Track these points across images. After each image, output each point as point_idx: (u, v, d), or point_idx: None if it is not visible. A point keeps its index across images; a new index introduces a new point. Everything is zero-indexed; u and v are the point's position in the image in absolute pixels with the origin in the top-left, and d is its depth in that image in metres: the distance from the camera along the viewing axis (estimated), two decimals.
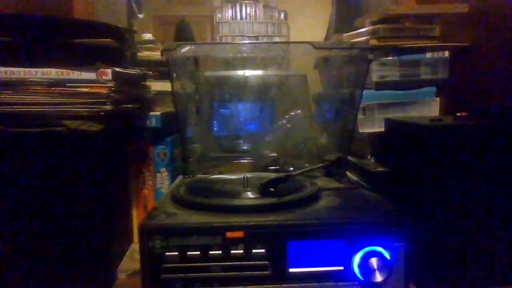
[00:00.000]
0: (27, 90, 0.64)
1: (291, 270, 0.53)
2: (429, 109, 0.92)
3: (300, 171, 0.74)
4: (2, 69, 0.65)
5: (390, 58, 0.91)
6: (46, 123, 0.64)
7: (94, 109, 0.65)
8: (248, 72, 0.93)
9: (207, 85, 0.96)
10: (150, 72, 0.91)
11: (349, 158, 0.90)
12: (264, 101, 0.97)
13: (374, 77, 0.90)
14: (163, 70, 0.96)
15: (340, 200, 0.64)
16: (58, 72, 0.66)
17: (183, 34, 1.92)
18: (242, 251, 0.53)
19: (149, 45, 1.13)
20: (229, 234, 0.53)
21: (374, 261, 0.53)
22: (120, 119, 0.72)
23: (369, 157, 0.92)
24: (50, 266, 0.67)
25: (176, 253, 0.52)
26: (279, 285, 0.53)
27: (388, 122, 0.82)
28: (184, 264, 0.52)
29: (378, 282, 0.53)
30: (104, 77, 0.66)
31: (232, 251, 0.53)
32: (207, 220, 0.54)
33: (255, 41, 3.08)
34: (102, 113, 0.65)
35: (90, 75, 0.66)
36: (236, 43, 2.45)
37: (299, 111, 0.91)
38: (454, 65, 0.93)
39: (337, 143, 0.87)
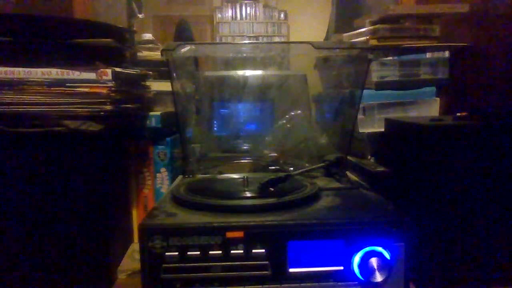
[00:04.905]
0: (27, 90, 0.64)
1: (291, 270, 0.53)
2: (429, 109, 0.92)
3: (300, 171, 0.74)
4: (2, 69, 0.65)
5: (390, 58, 0.91)
6: (46, 123, 0.64)
7: (94, 109, 0.65)
8: (248, 72, 0.93)
9: (207, 85, 0.96)
10: (150, 72, 0.91)
11: (349, 158, 0.90)
12: (264, 101, 0.97)
13: (374, 77, 0.90)
14: (163, 70, 0.96)
15: (340, 200, 0.64)
16: (58, 72, 0.66)
17: (183, 34, 1.92)
18: (242, 251, 0.53)
19: (149, 45, 1.13)
20: (229, 234, 0.53)
21: (374, 261, 0.53)
22: (120, 119, 0.72)
23: (369, 157, 0.92)
24: (50, 266, 0.67)
25: (176, 253, 0.52)
26: (279, 285, 0.53)
27: (388, 122, 0.82)
28: (184, 264, 0.52)
29: (378, 282, 0.53)
30: (104, 77, 0.66)
31: (232, 251, 0.53)
32: (207, 220, 0.54)
33: (255, 41, 3.08)
34: (102, 113, 0.65)
35: (90, 75, 0.66)
36: (236, 43, 2.45)
37: (299, 111, 0.91)
38: (454, 65, 0.93)
39: (337, 143, 0.87)
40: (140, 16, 1.20)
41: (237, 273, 0.53)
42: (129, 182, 0.83)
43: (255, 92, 0.94)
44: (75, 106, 0.65)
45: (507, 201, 0.65)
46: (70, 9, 1.10)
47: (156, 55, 1.05)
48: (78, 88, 0.66)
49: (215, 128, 0.98)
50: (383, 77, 0.91)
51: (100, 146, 0.68)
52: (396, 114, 0.90)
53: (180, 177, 0.82)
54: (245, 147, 0.94)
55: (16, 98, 0.64)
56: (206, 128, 0.96)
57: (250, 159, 0.90)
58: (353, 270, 0.54)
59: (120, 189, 0.80)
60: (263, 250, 0.53)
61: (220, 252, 0.53)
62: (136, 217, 0.84)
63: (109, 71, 0.67)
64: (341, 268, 0.54)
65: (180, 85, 0.81)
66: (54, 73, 0.66)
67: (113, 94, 0.66)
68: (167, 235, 0.52)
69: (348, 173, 0.83)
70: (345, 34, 1.05)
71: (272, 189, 0.63)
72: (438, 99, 0.92)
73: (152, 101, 0.91)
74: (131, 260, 0.76)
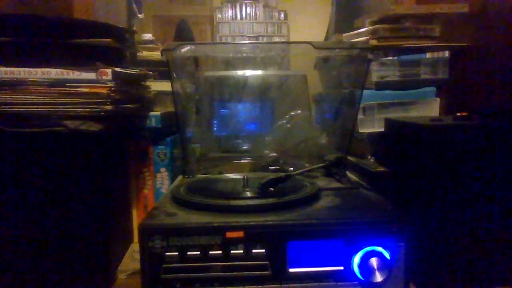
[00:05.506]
0: (27, 90, 0.64)
1: (291, 270, 0.53)
2: (429, 109, 0.92)
3: (300, 171, 0.74)
4: (2, 69, 0.65)
5: (390, 58, 0.91)
6: (46, 123, 0.64)
7: (94, 109, 0.65)
8: (248, 72, 0.93)
9: (207, 85, 0.96)
10: (150, 72, 0.91)
11: (349, 158, 0.90)
12: (264, 101, 0.97)
13: (374, 77, 0.90)
14: (163, 70, 0.95)
15: (340, 200, 0.64)
16: (58, 72, 0.66)
17: (183, 34, 1.92)
18: (242, 251, 0.53)
19: (149, 45, 1.13)
20: (229, 234, 0.53)
21: (374, 261, 0.53)
22: (120, 119, 0.72)
23: (369, 157, 0.92)
24: (50, 266, 0.67)
25: (176, 253, 0.52)
26: (279, 285, 0.53)
27: (388, 122, 0.82)
28: (184, 264, 0.52)
29: (378, 282, 0.53)
30: (104, 77, 0.66)
31: (232, 251, 0.53)
32: (207, 220, 0.54)
33: (255, 41, 3.08)
34: (102, 113, 0.65)
35: (90, 75, 0.66)
36: (236, 43, 2.45)
37: (299, 111, 0.91)
38: (454, 65, 0.93)
39: (337, 143, 0.87)
40: (140, 16, 1.20)
41: (237, 273, 0.53)
42: (129, 182, 0.83)
43: (255, 92, 0.94)
44: (75, 106, 0.65)
45: (507, 201, 0.65)
46: (70, 9, 1.10)
47: (156, 55, 1.05)
48: (78, 88, 0.66)
49: (215, 128, 0.98)
50: (383, 77, 0.91)
51: (100, 146, 0.68)
52: (396, 114, 0.90)
53: (180, 177, 0.82)
54: (245, 147, 0.94)
55: (16, 98, 0.64)
56: (206, 128, 0.96)
57: (250, 159, 0.90)
58: (353, 270, 0.54)
59: (120, 189, 0.80)
60: (263, 250, 0.53)
61: (220, 252, 0.53)
62: (136, 217, 0.84)
63: (109, 71, 0.67)
64: (341, 268, 0.54)
65: (180, 85, 0.81)
66: (54, 73, 0.66)
67: (113, 94, 0.66)
68: (167, 235, 0.52)
69: (348, 173, 0.83)
70: (345, 34, 1.05)
71: (272, 189, 0.63)
72: (438, 99, 0.92)
73: (152, 101, 0.91)
74: (131, 260, 0.76)
